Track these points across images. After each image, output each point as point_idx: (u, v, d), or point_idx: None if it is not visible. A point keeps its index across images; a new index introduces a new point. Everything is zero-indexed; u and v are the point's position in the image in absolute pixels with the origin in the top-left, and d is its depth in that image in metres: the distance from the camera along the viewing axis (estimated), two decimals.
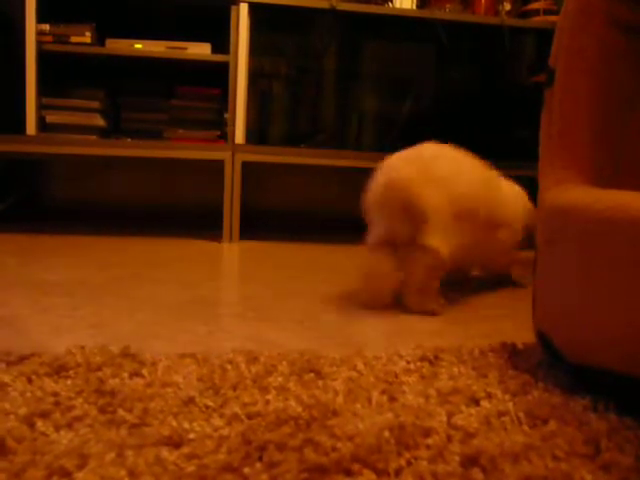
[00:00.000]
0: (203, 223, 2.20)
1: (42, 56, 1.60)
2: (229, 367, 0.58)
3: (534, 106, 1.81)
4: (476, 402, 0.53)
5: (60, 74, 1.76)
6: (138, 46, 1.66)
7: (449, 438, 0.45)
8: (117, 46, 1.65)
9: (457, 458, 0.42)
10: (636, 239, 0.49)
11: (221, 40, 1.69)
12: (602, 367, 0.53)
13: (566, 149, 0.65)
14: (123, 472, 0.38)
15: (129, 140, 1.68)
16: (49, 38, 1.60)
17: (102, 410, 0.47)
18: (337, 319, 0.85)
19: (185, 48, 1.68)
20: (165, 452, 0.40)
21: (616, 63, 0.67)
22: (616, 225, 0.51)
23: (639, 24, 0.67)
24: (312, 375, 0.57)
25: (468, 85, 1.81)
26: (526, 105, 1.81)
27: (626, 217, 0.50)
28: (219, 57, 1.67)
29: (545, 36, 1.75)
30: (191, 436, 0.43)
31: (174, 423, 0.45)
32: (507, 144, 1.81)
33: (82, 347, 0.62)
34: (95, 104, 1.69)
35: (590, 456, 0.43)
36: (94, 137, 1.68)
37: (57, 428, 0.44)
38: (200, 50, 1.68)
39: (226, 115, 1.72)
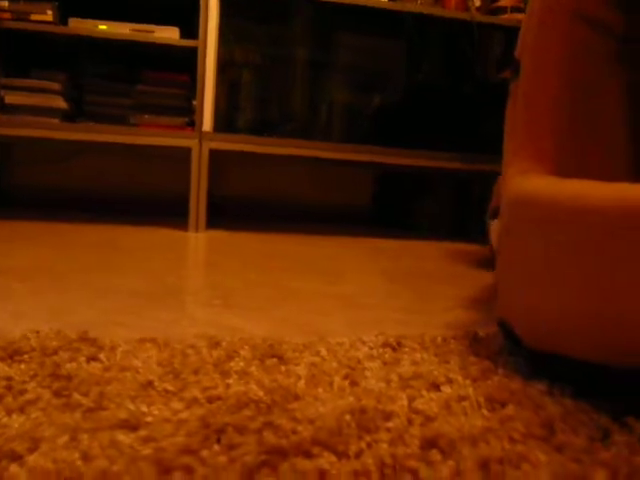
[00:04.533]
0: (169, 211, 2.17)
1: (0, 34, 1.54)
2: (190, 352, 0.57)
3: (501, 102, 1.84)
4: (437, 387, 0.53)
5: (20, 53, 1.70)
6: (102, 27, 1.62)
7: (410, 421, 0.45)
8: (81, 26, 1.60)
9: (417, 441, 0.42)
10: (596, 227, 0.50)
11: (190, 25, 1.66)
12: (561, 353, 0.54)
13: (530, 139, 0.66)
14: (76, 455, 0.37)
15: (93, 124, 1.64)
16: (8, 15, 1.54)
17: (57, 394, 0.46)
18: (302, 307, 0.84)
19: (152, 31, 1.64)
20: (121, 435, 0.39)
21: (582, 56, 0.69)
22: (577, 214, 0.52)
23: (605, 18, 0.68)
24: (274, 360, 0.57)
25: (437, 79, 1.82)
26: (493, 101, 1.83)
27: (587, 206, 0.51)
28: (187, 42, 1.64)
29: (513, 34, 1.78)
30: (148, 419, 0.42)
31: (131, 407, 0.44)
32: (474, 138, 1.84)
33: (37, 332, 0.60)
34: (56, 86, 1.64)
35: (545, 438, 0.43)
36: (56, 120, 1.63)
37: (8, 412, 0.42)
38: (168, 34, 1.65)
39: (194, 102, 1.69)
